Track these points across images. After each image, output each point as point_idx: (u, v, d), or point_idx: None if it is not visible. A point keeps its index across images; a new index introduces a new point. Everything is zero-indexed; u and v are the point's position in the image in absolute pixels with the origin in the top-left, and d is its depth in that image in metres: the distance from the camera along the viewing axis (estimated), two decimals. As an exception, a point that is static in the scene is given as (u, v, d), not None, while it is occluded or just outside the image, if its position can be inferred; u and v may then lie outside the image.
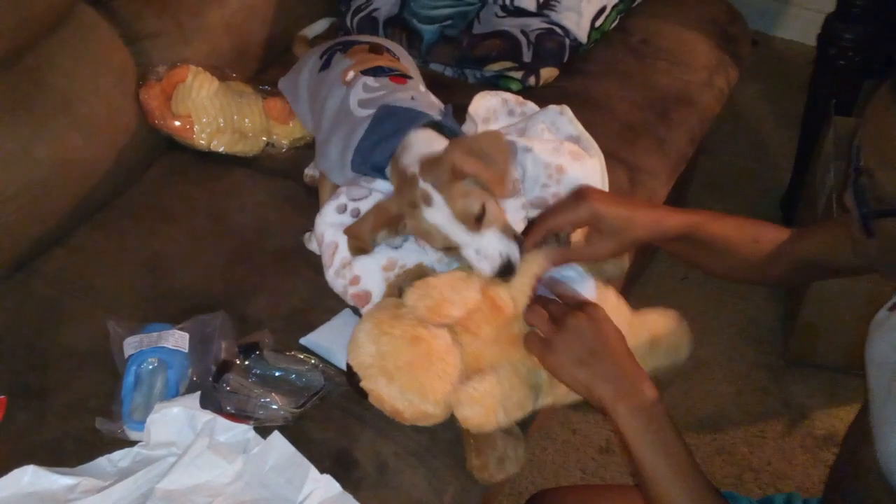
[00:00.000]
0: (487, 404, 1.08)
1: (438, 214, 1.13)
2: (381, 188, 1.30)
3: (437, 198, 1.13)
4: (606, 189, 1.47)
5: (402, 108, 1.28)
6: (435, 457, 1.16)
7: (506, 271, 1.12)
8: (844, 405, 2.02)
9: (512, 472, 1.15)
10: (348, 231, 1.22)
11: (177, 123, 1.57)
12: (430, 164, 1.15)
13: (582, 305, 1.05)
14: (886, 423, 0.90)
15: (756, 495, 1.43)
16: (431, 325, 1.11)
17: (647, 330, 1.19)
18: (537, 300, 1.12)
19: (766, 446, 1.96)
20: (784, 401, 2.05)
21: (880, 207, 0.86)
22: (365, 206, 1.29)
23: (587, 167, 1.47)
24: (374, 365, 1.10)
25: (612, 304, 1.19)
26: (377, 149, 1.25)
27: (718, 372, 2.11)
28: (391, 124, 1.25)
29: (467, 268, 1.17)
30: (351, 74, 1.39)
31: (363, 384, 1.11)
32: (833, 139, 2.03)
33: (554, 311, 1.06)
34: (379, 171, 1.27)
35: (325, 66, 1.46)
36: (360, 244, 1.21)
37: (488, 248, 1.12)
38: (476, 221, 1.13)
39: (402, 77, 1.39)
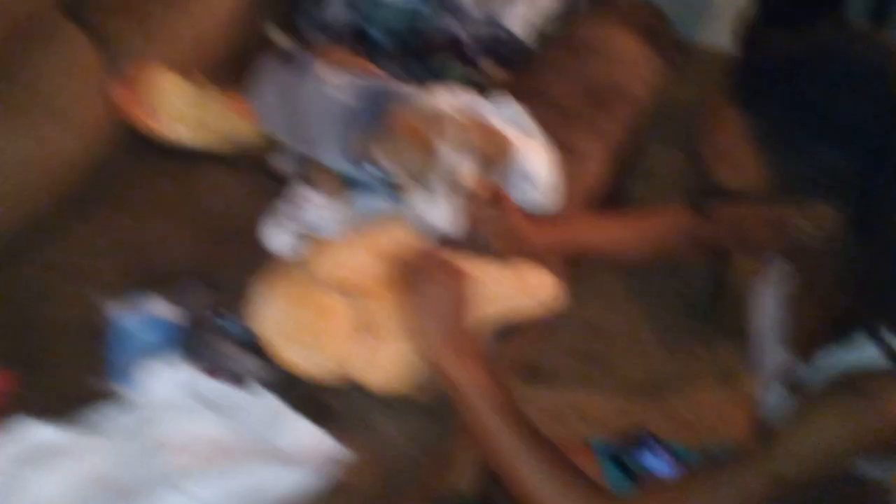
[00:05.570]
0: (384, 366, 1.10)
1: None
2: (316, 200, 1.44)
3: None
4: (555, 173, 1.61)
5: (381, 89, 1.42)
6: (413, 406, 1.22)
7: None
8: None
9: None
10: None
11: (146, 119, 1.66)
12: None
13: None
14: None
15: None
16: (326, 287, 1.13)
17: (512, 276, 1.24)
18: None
19: (702, 405, 2.12)
20: (716, 365, 2.21)
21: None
22: (309, 216, 1.41)
23: (535, 151, 1.60)
24: (277, 332, 1.09)
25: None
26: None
27: (651, 337, 2.27)
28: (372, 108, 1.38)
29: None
30: (328, 71, 1.50)
31: (274, 355, 1.09)
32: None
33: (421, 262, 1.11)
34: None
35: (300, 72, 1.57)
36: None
37: None
38: None
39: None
